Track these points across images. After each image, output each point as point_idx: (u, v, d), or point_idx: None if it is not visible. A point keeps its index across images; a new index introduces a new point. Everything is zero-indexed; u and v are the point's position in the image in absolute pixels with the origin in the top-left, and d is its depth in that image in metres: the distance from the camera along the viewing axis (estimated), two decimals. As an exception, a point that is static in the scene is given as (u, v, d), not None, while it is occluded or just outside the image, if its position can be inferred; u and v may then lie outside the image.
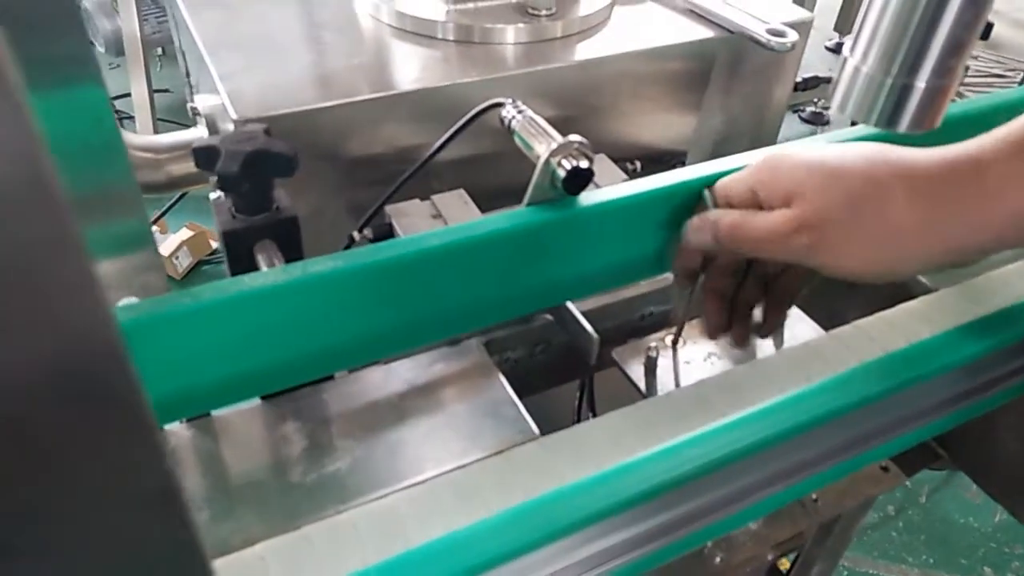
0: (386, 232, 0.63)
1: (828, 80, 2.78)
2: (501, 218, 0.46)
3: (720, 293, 0.53)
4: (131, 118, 2.30)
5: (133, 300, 0.43)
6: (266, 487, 0.45)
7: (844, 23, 3.14)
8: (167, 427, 0.47)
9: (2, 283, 0.10)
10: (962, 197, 0.40)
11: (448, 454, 0.47)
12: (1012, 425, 0.56)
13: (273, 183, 0.48)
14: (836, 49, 3.17)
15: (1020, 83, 0.82)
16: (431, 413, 0.50)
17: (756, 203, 0.45)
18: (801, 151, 0.44)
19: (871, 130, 0.53)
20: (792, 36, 0.73)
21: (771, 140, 0.90)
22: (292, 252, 0.49)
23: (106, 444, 0.13)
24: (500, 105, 0.53)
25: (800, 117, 2.89)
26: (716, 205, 0.49)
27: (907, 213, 0.40)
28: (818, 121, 2.78)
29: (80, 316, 0.11)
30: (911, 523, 1.71)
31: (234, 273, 0.49)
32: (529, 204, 0.48)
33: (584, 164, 0.46)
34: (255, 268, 0.48)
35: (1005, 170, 0.40)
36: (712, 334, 0.55)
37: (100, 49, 2.58)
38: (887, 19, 0.37)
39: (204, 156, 0.45)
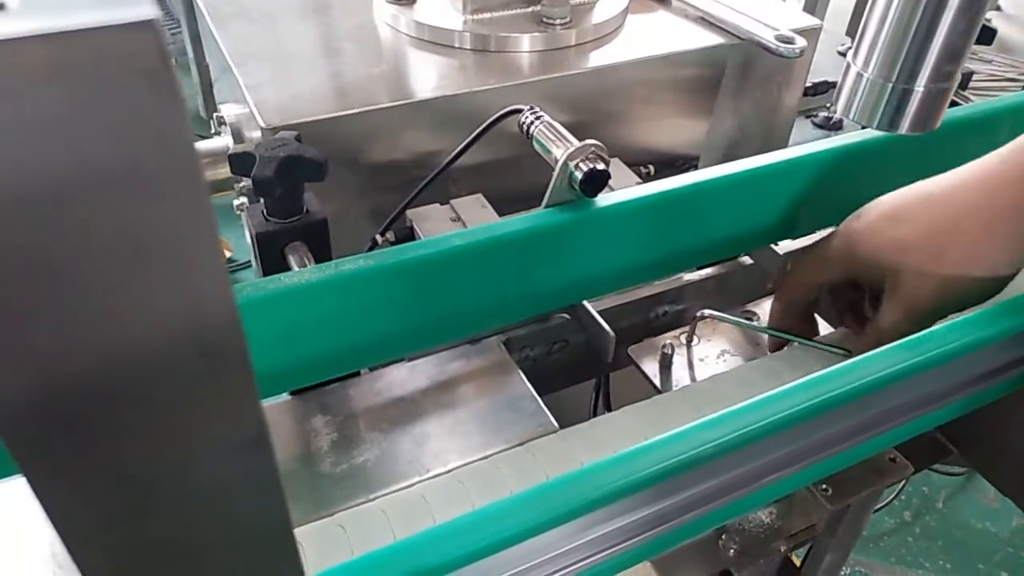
0: (407, 235, 0.65)
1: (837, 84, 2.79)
2: (521, 220, 0.48)
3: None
4: (147, 127, 2.34)
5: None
6: (298, 477, 0.47)
7: (856, 28, 3.14)
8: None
9: (148, 253, 0.13)
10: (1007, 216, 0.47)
11: (471, 446, 0.49)
12: (1019, 418, 0.57)
13: (304, 187, 0.50)
14: (847, 54, 3.16)
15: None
16: (454, 408, 0.52)
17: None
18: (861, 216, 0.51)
19: (879, 134, 0.55)
20: (800, 43, 0.75)
21: (782, 144, 0.92)
22: (321, 253, 0.51)
23: (219, 397, 0.15)
24: (518, 111, 0.55)
25: (813, 122, 2.89)
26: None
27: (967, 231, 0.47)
28: (831, 126, 2.79)
29: (208, 284, 0.13)
30: (928, 528, 1.71)
31: (266, 274, 0.51)
32: (548, 206, 0.50)
33: (601, 166, 0.48)
34: (286, 269, 0.50)
35: None
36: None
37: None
38: (887, 28, 0.39)
39: (239, 162, 0.48)
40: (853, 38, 0.43)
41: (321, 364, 0.46)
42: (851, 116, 0.43)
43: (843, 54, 3.72)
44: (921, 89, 0.40)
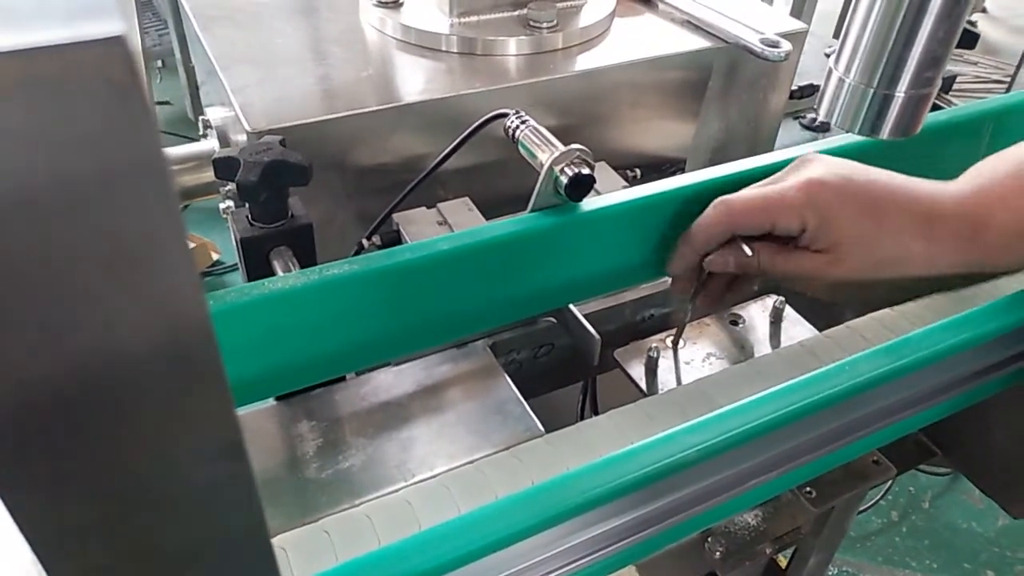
0: (394, 239, 0.65)
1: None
2: (507, 224, 0.48)
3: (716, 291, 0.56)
4: (134, 130, 2.33)
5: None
6: (283, 483, 0.47)
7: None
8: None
9: (126, 265, 0.12)
10: (952, 231, 0.47)
11: (457, 450, 0.49)
12: (1003, 420, 0.58)
13: (289, 192, 0.50)
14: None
15: (1007, 90, 0.84)
16: (440, 412, 0.52)
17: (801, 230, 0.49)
18: (837, 177, 0.49)
19: (862, 139, 0.55)
20: (786, 46, 0.75)
21: (768, 147, 0.92)
22: (306, 258, 0.51)
23: (193, 405, 0.15)
24: (504, 115, 0.55)
25: (801, 124, 2.92)
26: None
27: (911, 237, 0.47)
28: (819, 128, 2.81)
29: (180, 292, 0.13)
30: (915, 528, 1.72)
31: (251, 278, 0.51)
32: (533, 210, 0.50)
33: (586, 171, 0.48)
34: (271, 274, 0.50)
35: (985, 213, 0.48)
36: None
37: (103, 62, 2.60)
38: (868, 33, 0.40)
39: (223, 166, 0.48)
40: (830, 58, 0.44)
41: (306, 369, 0.46)
42: (833, 121, 0.43)
43: (830, 56, 3.71)
44: (902, 95, 0.40)
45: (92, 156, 0.11)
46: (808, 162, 0.50)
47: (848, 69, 0.41)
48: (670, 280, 0.56)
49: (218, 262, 2.22)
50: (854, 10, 0.41)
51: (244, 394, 0.46)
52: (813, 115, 3.21)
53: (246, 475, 0.16)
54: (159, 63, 2.82)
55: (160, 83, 2.78)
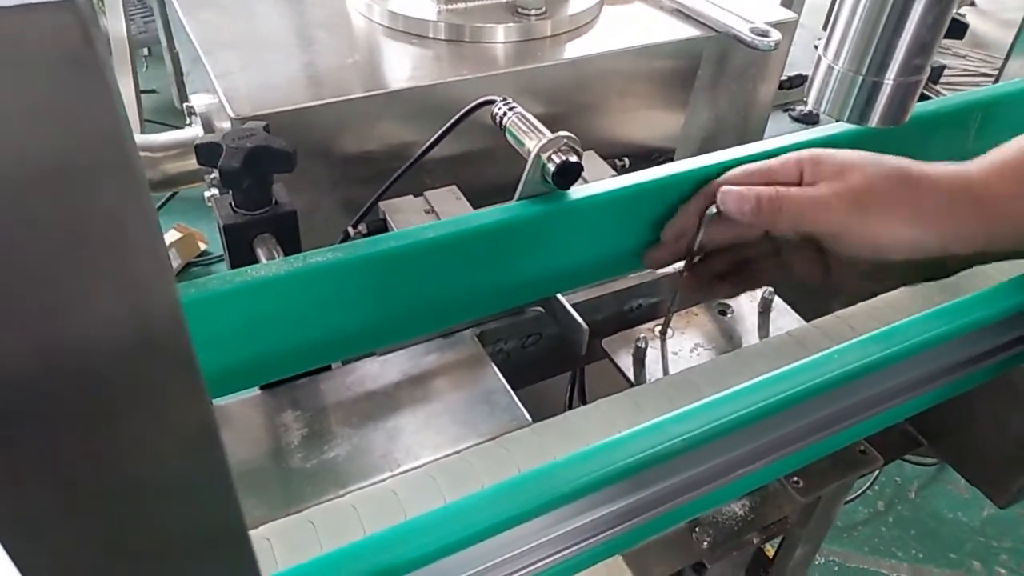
0: (380, 227, 0.65)
1: (812, 78, 2.81)
2: (494, 211, 0.48)
3: (714, 274, 0.56)
4: (120, 118, 2.30)
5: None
6: (267, 473, 0.46)
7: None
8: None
9: (89, 248, 0.12)
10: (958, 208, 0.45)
11: (444, 440, 0.49)
12: (988, 410, 0.58)
13: (272, 179, 0.49)
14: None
15: (995, 81, 0.84)
16: (426, 402, 0.51)
17: (798, 182, 0.49)
18: (841, 152, 0.49)
19: (851, 127, 0.55)
20: (776, 36, 0.75)
21: (757, 137, 0.92)
22: (290, 246, 0.50)
23: (163, 392, 0.14)
24: (491, 102, 0.55)
25: (790, 116, 2.92)
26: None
27: (930, 202, 0.45)
28: (809, 120, 2.81)
29: (148, 275, 0.13)
30: (901, 518, 1.74)
31: (234, 266, 0.51)
32: (520, 198, 0.49)
33: (573, 158, 0.47)
34: (254, 262, 0.49)
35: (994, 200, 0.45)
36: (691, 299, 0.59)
37: (89, 50, 2.57)
38: (857, 20, 0.39)
39: (206, 152, 0.47)
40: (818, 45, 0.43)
41: (291, 358, 0.46)
42: (822, 109, 0.43)
43: (819, 44, 3.69)
44: (891, 82, 0.40)
45: (50, 131, 0.11)
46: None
47: (837, 56, 0.41)
48: (658, 244, 0.54)
49: (205, 252, 2.21)
50: (843, -3, 0.40)
51: (227, 383, 0.45)
52: (802, 107, 3.22)
53: (220, 464, 0.15)
54: (145, 51, 2.79)
55: (146, 71, 2.75)
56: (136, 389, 0.14)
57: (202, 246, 2.19)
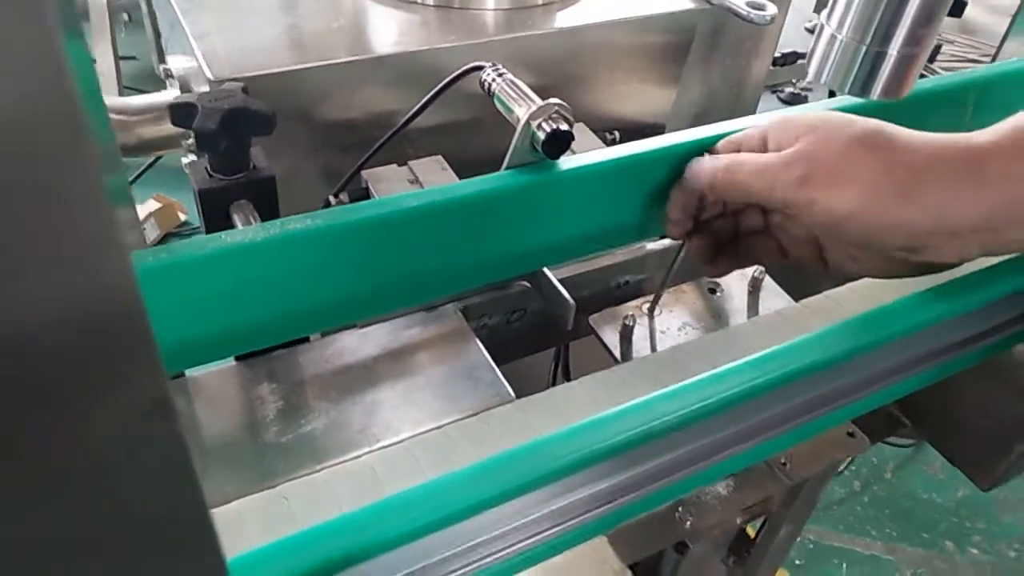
0: (362, 196, 0.63)
1: (805, 56, 2.79)
2: (480, 181, 0.46)
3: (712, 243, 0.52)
4: (98, 84, 2.25)
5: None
6: (241, 447, 0.45)
7: (823, 4, 3.15)
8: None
9: (34, 222, 0.10)
10: (955, 177, 0.39)
11: (425, 415, 0.48)
12: (972, 392, 0.57)
13: (250, 142, 0.47)
14: (815, 30, 3.18)
15: (992, 61, 0.83)
16: (408, 376, 0.50)
17: (763, 150, 0.46)
18: (812, 112, 0.45)
19: (848, 101, 0.53)
20: (772, 9, 0.73)
21: (750, 112, 0.91)
22: (268, 212, 0.49)
23: (112, 362, 0.13)
24: (480, 68, 0.53)
25: (778, 97, 2.91)
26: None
27: (898, 174, 0.40)
28: (796, 101, 2.80)
29: (93, 235, 0.11)
30: (876, 498, 1.76)
31: (210, 233, 0.49)
32: (508, 167, 0.48)
33: (564, 127, 0.46)
34: (231, 227, 0.48)
35: (1004, 168, 0.39)
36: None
37: (68, 13, 2.50)
38: (863, -13, 0.38)
39: (181, 113, 0.45)
40: (820, 15, 0.41)
41: (267, 329, 0.44)
42: (822, 79, 0.42)
43: (811, 31, 3.72)
44: (895, 53, 0.38)
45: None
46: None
47: (841, 25, 0.40)
48: (667, 222, 0.51)
49: (186, 223, 2.17)
50: (849, -37, 0.39)
51: (201, 353, 0.44)
52: (791, 88, 3.20)
53: (176, 441, 0.14)
54: (125, 16, 2.72)
55: (125, 37, 2.68)
56: (81, 358, 0.13)
57: (182, 216, 2.15)
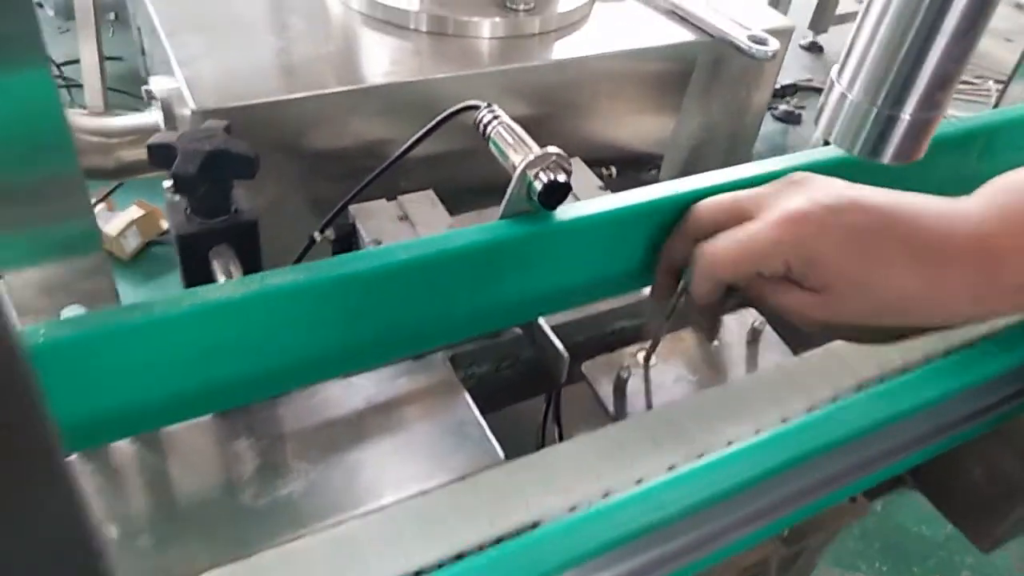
0: (349, 233, 0.61)
1: (807, 87, 2.79)
2: (474, 231, 0.44)
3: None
4: (79, 86, 2.20)
5: (78, 307, 0.41)
6: (215, 510, 0.42)
7: (819, 21, 3.16)
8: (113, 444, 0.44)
9: None
10: (964, 271, 0.40)
11: (409, 477, 0.45)
12: (976, 455, 0.56)
13: (232, 184, 0.45)
14: (810, 47, 3.19)
15: (995, 105, 0.82)
16: (392, 432, 0.48)
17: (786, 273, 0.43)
18: (822, 208, 0.42)
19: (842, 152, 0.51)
20: (774, 44, 0.72)
21: (749, 144, 0.89)
22: (250, 257, 0.46)
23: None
24: (474, 108, 0.51)
25: (772, 115, 2.90)
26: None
27: (912, 279, 0.40)
28: (791, 120, 2.80)
29: None
30: (866, 531, 1.74)
31: (187, 278, 0.46)
32: (504, 216, 0.46)
33: (562, 178, 0.44)
34: (210, 273, 0.45)
35: (1010, 244, 0.40)
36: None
37: (49, 12, 2.46)
38: (875, 48, 0.36)
39: (159, 154, 0.42)
40: (815, 32, 0.40)
41: (247, 387, 0.42)
42: (832, 139, 0.40)
43: (806, 48, 3.68)
44: (908, 117, 0.36)
45: None
46: (793, 185, 0.45)
47: (851, 84, 0.38)
48: (650, 289, 0.51)
49: (168, 230, 2.13)
50: (862, 20, 0.37)
51: (177, 413, 0.41)
52: (786, 106, 3.20)
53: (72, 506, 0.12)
54: (112, 15, 2.68)
55: (112, 37, 2.63)
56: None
57: (164, 224, 2.11)
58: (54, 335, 0.34)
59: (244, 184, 0.48)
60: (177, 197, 0.46)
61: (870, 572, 1.66)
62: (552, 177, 0.44)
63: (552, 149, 0.45)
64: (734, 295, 0.49)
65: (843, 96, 0.39)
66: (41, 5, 2.52)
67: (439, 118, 0.52)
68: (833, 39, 3.24)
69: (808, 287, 0.41)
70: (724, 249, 0.43)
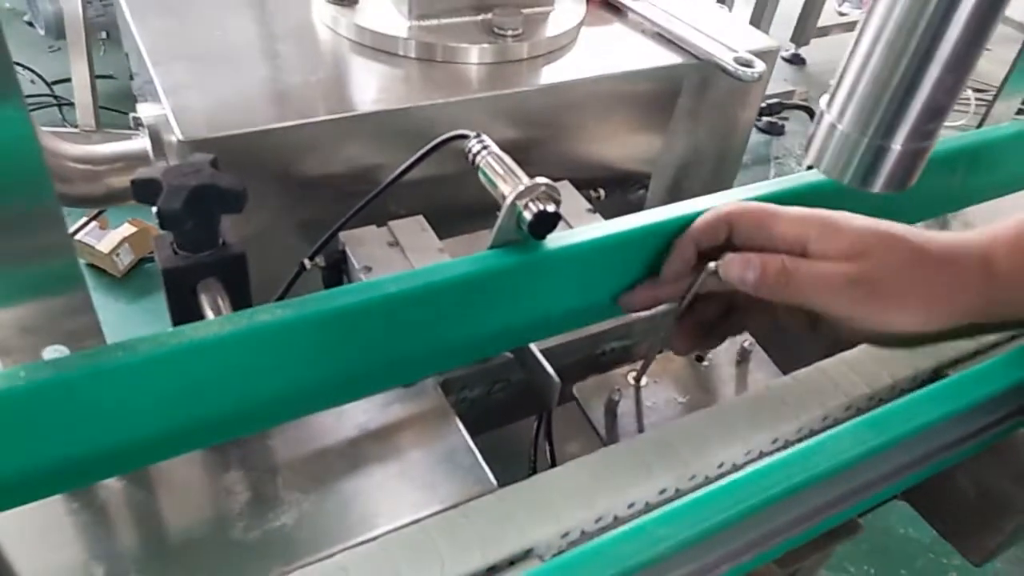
0: (339, 259, 0.60)
1: (792, 104, 2.80)
2: (464, 263, 0.44)
3: (700, 323, 0.52)
4: (71, 104, 2.20)
5: (61, 348, 0.40)
6: (205, 545, 0.42)
7: (800, 35, 3.20)
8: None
9: None
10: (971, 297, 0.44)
11: (402, 506, 0.45)
12: (968, 471, 0.56)
13: (219, 218, 0.45)
14: (792, 60, 3.22)
15: (980, 123, 0.83)
16: (384, 461, 0.47)
17: (801, 252, 0.45)
18: (858, 219, 0.46)
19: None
20: (760, 66, 0.72)
21: (735, 164, 0.90)
22: (238, 290, 0.46)
23: None
24: (464, 137, 0.51)
25: (756, 127, 2.93)
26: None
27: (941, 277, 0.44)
28: (774, 131, 2.83)
29: None
30: (854, 533, 1.74)
31: (174, 312, 0.46)
32: (493, 246, 0.46)
33: (551, 208, 0.44)
34: (197, 307, 0.45)
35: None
36: (680, 352, 0.55)
37: (40, 31, 2.46)
38: (865, 78, 0.36)
39: (143, 189, 0.42)
40: (797, 45, 0.40)
41: (233, 423, 0.41)
42: (822, 168, 0.40)
43: (788, 60, 3.70)
44: (898, 148, 0.37)
45: None
46: None
47: (841, 115, 0.38)
48: (663, 283, 0.50)
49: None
50: (853, 50, 0.37)
51: (164, 450, 0.41)
52: (768, 117, 3.21)
53: None
54: (103, 34, 2.67)
55: (103, 55, 2.63)
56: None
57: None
58: (35, 378, 0.34)
59: (233, 216, 0.48)
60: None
61: (858, 574, 1.66)
62: (541, 207, 0.44)
63: (541, 180, 0.45)
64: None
65: (832, 127, 0.39)
66: (32, 24, 2.52)
67: (428, 147, 0.52)
68: (814, 51, 3.28)
69: (828, 256, 0.44)
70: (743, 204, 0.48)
